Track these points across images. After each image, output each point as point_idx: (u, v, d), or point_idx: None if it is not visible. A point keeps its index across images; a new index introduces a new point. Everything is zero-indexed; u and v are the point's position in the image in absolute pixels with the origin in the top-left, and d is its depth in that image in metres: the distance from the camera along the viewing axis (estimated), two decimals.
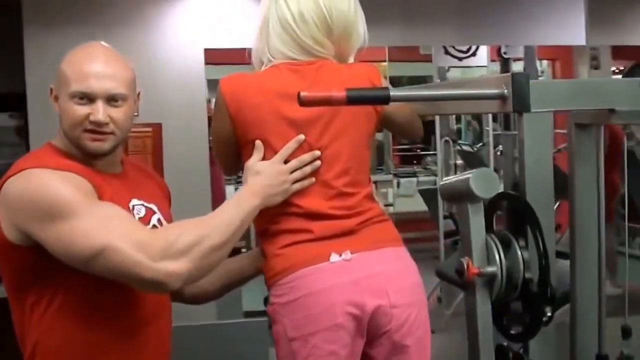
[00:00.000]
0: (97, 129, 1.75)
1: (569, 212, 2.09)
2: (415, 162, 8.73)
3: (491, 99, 1.56)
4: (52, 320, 1.75)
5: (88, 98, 1.74)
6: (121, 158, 1.91)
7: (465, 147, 7.84)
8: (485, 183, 1.81)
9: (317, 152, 1.85)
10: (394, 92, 1.52)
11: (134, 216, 1.81)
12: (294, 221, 1.86)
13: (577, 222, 2.07)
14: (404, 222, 5.05)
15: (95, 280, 1.70)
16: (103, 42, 1.86)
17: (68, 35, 3.85)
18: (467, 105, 1.81)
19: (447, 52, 5.69)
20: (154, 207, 1.91)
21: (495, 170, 6.37)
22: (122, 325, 1.80)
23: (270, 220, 1.88)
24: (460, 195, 1.84)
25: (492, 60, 5.72)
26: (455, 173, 7.61)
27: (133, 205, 1.85)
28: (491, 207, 1.95)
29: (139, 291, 1.80)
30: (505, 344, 1.95)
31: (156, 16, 4.06)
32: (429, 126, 6.37)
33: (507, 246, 1.84)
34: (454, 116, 8.18)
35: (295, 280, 1.81)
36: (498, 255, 1.82)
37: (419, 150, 8.68)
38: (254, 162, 1.85)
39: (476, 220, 1.84)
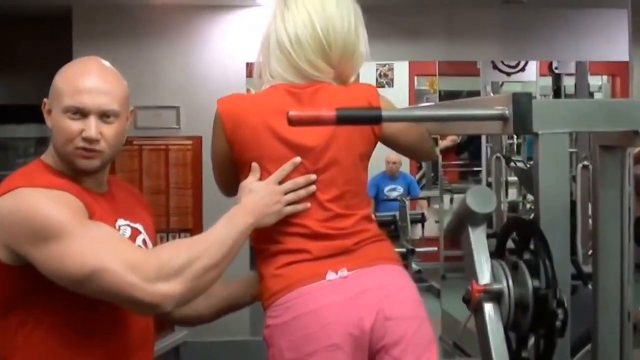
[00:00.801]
0: (88, 146, 1.72)
1: (592, 235, 1.99)
2: (468, 177, 8.62)
3: (491, 119, 1.49)
4: (37, 341, 1.73)
5: (81, 113, 1.72)
6: (107, 177, 1.89)
7: (519, 164, 7.70)
8: (482, 199, 1.73)
9: (313, 177, 1.82)
10: (385, 113, 1.45)
11: None
12: (291, 241, 1.82)
13: (600, 247, 1.95)
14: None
15: (83, 302, 1.68)
16: (99, 58, 1.84)
17: (115, 48, 3.93)
18: (469, 127, 1.74)
19: (495, 67, 5.60)
20: (140, 227, 1.89)
21: None
22: (108, 350, 1.78)
23: (267, 239, 1.85)
24: (460, 220, 1.77)
25: (542, 75, 5.61)
26: (507, 190, 7.48)
27: (119, 226, 1.82)
28: (503, 233, 1.87)
29: (126, 317, 1.78)
30: None
31: (199, 30, 4.11)
32: (477, 140, 6.28)
33: (515, 272, 1.76)
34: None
35: (292, 300, 1.77)
36: (505, 276, 1.74)
37: (472, 167, 8.56)
38: (248, 182, 1.82)
39: (477, 240, 1.75)
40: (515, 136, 8.34)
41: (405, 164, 8.94)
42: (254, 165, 1.83)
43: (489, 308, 1.73)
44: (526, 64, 5.63)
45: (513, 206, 7.55)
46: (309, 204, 1.82)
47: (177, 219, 3.99)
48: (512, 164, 8.46)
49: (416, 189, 8.70)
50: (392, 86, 8.47)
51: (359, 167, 1.88)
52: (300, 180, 1.81)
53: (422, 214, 8.24)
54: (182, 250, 1.67)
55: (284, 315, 1.77)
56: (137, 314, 1.80)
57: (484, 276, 1.74)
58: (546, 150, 1.74)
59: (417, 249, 6.49)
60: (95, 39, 3.93)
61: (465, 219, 1.78)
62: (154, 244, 1.94)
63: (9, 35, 4.19)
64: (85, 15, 4.04)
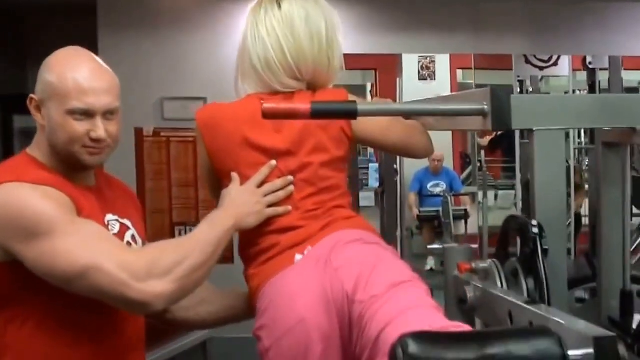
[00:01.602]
0: (96, 145, 1.75)
1: (597, 232, 1.99)
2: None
3: (470, 115, 1.47)
4: (26, 338, 1.73)
5: (87, 114, 1.73)
6: (95, 170, 1.89)
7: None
8: None
9: (290, 178, 1.85)
10: (361, 106, 1.44)
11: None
12: (268, 239, 1.85)
13: (603, 242, 1.97)
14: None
15: (73, 299, 1.68)
16: (85, 50, 1.83)
17: (141, 39, 3.96)
18: (451, 122, 1.72)
19: (528, 61, 5.51)
20: (128, 223, 1.90)
21: (579, 186, 6.13)
22: (98, 349, 1.79)
23: (248, 243, 1.88)
24: None
25: (575, 70, 5.51)
26: None
27: (108, 221, 1.83)
28: (504, 229, 1.84)
29: (116, 316, 1.79)
30: None
31: (225, 20, 4.10)
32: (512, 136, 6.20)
33: (514, 277, 1.73)
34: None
35: (266, 291, 1.77)
36: (500, 279, 1.71)
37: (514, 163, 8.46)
38: (229, 189, 1.86)
39: None
40: None
41: (448, 159, 8.87)
42: (234, 174, 1.86)
43: None
44: (559, 58, 5.53)
45: None
46: (290, 207, 1.85)
47: (207, 212, 3.92)
48: None
49: (459, 185, 8.60)
50: (434, 79, 8.38)
51: (335, 167, 1.89)
52: (278, 182, 1.85)
53: (465, 210, 8.15)
54: (170, 250, 1.69)
55: (261, 307, 1.77)
56: (128, 314, 1.81)
57: None
58: (542, 146, 1.71)
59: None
60: (120, 30, 3.95)
61: None
62: (143, 240, 1.96)
63: (33, 25, 4.24)
64: (110, 5, 4.05)
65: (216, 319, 2.09)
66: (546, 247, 1.66)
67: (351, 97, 1.89)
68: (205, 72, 3.92)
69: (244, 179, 1.86)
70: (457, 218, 7.99)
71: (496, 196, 8.24)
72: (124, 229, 1.87)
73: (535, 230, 1.70)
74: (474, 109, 1.46)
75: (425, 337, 1.01)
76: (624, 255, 1.96)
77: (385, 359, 1.49)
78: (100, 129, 1.73)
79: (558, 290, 1.64)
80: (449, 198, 7.94)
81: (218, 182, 1.93)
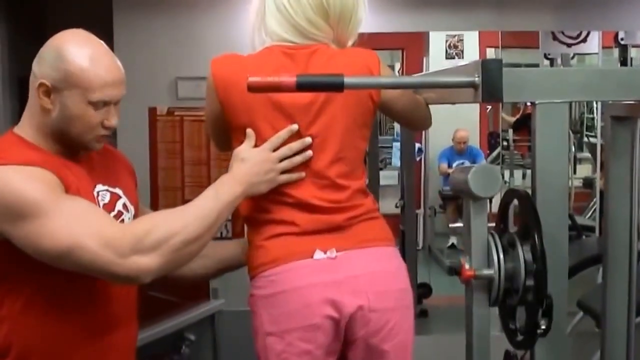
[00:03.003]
0: (106, 132, 1.80)
1: (604, 206, 1.97)
2: None
3: (462, 87, 1.44)
4: (22, 312, 1.75)
5: (104, 104, 1.77)
6: None
7: (592, 140, 7.47)
8: (485, 180, 1.66)
9: (308, 139, 1.77)
10: (348, 79, 1.41)
11: (98, 203, 1.80)
12: (281, 211, 1.80)
13: (611, 215, 1.94)
14: None
15: (65, 276, 1.71)
16: (92, 35, 1.83)
17: (155, 19, 3.95)
18: (444, 96, 1.69)
19: (555, 38, 5.39)
20: (119, 192, 1.90)
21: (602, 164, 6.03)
22: (90, 324, 1.81)
23: (257, 208, 1.83)
24: (462, 191, 1.72)
25: (605, 47, 5.39)
26: (575, 167, 7.27)
27: (98, 192, 1.84)
28: (504, 204, 1.81)
29: (108, 291, 1.82)
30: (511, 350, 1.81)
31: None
32: None
33: (512, 248, 1.70)
34: (576, 105, 7.81)
35: (277, 275, 1.75)
36: (497, 258, 1.68)
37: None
38: (242, 149, 1.80)
39: (477, 220, 1.70)
40: (586, 111, 8.11)
41: (475, 139, 8.80)
42: (249, 131, 1.79)
43: (477, 291, 1.69)
44: (588, 34, 5.41)
45: (588, 183, 7.33)
46: (303, 173, 1.79)
47: None
48: (585, 139, 8.24)
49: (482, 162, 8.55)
50: (462, 57, 8.31)
51: (356, 135, 1.83)
52: (296, 144, 1.78)
53: None
54: (161, 224, 1.68)
55: (268, 289, 1.76)
56: (120, 287, 1.84)
57: (477, 260, 1.70)
58: (544, 120, 1.68)
59: None
60: (135, 9, 3.92)
61: (466, 193, 1.72)
62: (135, 207, 1.97)
63: (46, 5, 4.26)
64: None
65: (211, 271, 2.13)
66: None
67: (383, 66, 1.87)
68: (219, 51, 3.86)
69: (259, 137, 1.79)
70: None
71: (524, 175, 8.17)
72: (114, 198, 1.88)
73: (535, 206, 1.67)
74: (464, 81, 1.43)
75: None
76: (631, 231, 1.92)
77: None
78: (114, 118, 1.79)
79: (557, 266, 1.61)
80: None
81: (228, 135, 1.87)
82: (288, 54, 1.81)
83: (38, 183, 1.67)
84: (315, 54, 1.81)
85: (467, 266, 1.68)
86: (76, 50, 1.76)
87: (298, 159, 1.78)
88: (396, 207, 3.96)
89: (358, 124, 1.82)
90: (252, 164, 1.77)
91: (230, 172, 1.79)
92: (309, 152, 1.78)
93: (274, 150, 1.78)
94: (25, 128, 1.81)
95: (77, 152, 1.82)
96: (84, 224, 1.65)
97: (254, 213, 1.84)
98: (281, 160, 1.78)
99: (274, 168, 1.77)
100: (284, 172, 1.79)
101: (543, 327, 1.60)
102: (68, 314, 1.78)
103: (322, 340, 1.74)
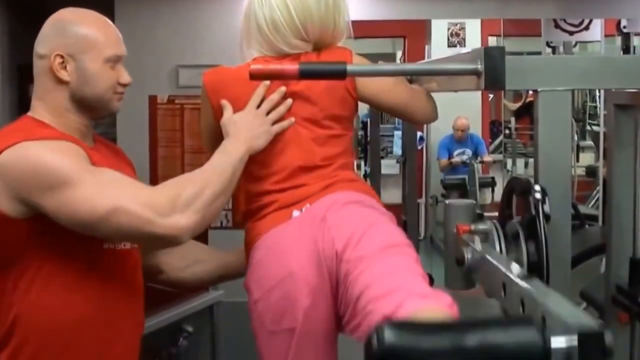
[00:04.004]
0: (123, 90, 1.87)
1: (607, 194, 1.96)
2: None
3: (464, 74, 1.43)
4: (36, 294, 1.76)
5: (116, 61, 1.83)
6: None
7: (595, 128, 7.46)
8: None
9: (283, 88, 1.86)
10: (350, 67, 1.40)
11: None
12: (267, 197, 1.85)
13: (614, 203, 1.93)
14: None
15: (84, 252, 1.76)
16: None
17: (156, 6, 3.94)
18: (446, 83, 1.67)
19: (557, 26, 5.36)
20: None
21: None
22: (100, 309, 1.82)
23: (248, 201, 1.89)
24: None
25: (608, 35, 5.36)
26: (578, 155, 7.26)
27: None
28: (507, 191, 1.80)
29: (119, 274, 1.86)
30: None
31: None
32: None
33: (514, 237, 1.68)
34: (578, 94, 7.80)
35: (259, 244, 1.79)
36: (498, 240, 1.67)
37: None
38: (228, 117, 1.86)
39: None
40: (589, 99, 8.09)
41: (477, 128, 8.79)
42: (224, 102, 1.87)
43: None
44: (590, 22, 5.38)
45: (591, 171, 7.33)
46: (293, 119, 1.86)
47: None
48: (588, 127, 8.22)
49: (483, 149, 8.57)
50: (464, 46, 8.31)
51: (340, 125, 1.90)
52: (274, 95, 1.86)
53: (492, 178, 8.11)
54: (188, 183, 1.74)
55: (253, 260, 1.79)
56: (130, 269, 1.89)
57: None
58: (547, 108, 1.66)
59: (485, 214, 6.33)
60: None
61: None
62: None
63: None
64: None
65: (211, 277, 2.18)
66: (549, 214, 1.61)
67: (356, 58, 1.91)
68: (220, 40, 3.88)
69: None
70: (483, 186, 7.96)
71: (526, 164, 8.18)
72: None
73: (538, 195, 1.65)
74: (467, 69, 1.42)
75: (401, 327, 0.98)
76: (635, 221, 1.91)
77: (364, 320, 1.55)
78: (126, 74, 1.86)
79: (560, 257, 1.58)
80: (475, 165, 7.90)
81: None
82: (272, 62, 1.87)
83: (68, 153, 1.71)
84: (296, 61, 1.84)
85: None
86: (78, 17, 1.84)
87: (282, 108, 1.86)
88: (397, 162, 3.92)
89: (339, 117, 1.89)
90: (245, 123, 1.84)
91: (228, 137, 1.84)
92: (290, 101, 1.86)
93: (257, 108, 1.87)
94: (39, 111, 1.84)
95: (86, 132, 1.87)
96: (120, 187, 1.69)
97: (247, 206, 1.90)
98: (268, 114, 1.86)
99: (264, 121, 1.84)
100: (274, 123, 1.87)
101: None
102: (84, 293, 1.80)
103: (307, 289, 1.70)
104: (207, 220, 1.74)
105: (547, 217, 1.61)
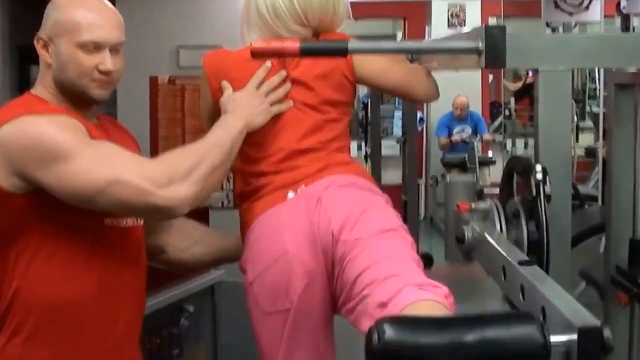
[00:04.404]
0: (104, 78, 1.80)
1: (607, 174, 1.98)
2: None
3: (465, 52, 1.43)
4: (36, 270, 1.77)
5: (96, 48, 1.78)
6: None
7: (594, 109, 7.45)
8: None
9: (283, 73, 1.86)
10: (352, 45, 1.40)
11: None
12: (262, 179, 1.86)
13: (614, 183, 1.94)
14: None
15: (85, 228, 1.77)
16: None
17: None
18: (447, 62, 1.67)
19: (557, 6, 5.31)
20: None
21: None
22: (101, 287, 1.82)
23: (244, 183, 1.90)
24: None
25: (608, 16, 5.32)
26: (577, 136, 7.26)
27: None
28: (508, 172, 1.80)
29: (120, 244, 1.85)
30: None
31: None
32: None
33: (515, 216, 1.69)
34: (578, 75, 7.79)
35: (254, 226, 1.80)
36: (499, 219, 1.67)
37: None
38: (228, 95, 1.87)
39: None
40: (588, 81, 8.08)
41: (477, 108, 8.78)
42: (224, 83, 1.88)
43: None
44: (590, 2, 5.34)
45: (591, 152, 7.33)
46: (291, 102, 1.87)
47: None
48: (588, 108, 8.22)
49: (483, 127, 8.58)
50: (464, 26, 8.30)
51: (337, 110, 1.90)
52: (275, 78, 1.87)
53: (492, 158, 8.12)
54: (187, 155, 1.74)
55: (249, 241, 1.80)
56: (133, 246, 1.89)
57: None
58: (547, 87, 1.67)
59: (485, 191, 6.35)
60: None
61: None
62: None
63: None
64: None
65: (211, 259, 2.19)
66: (549, 194, 1.62)
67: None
68: (220, 21, 3.88)
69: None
70: (483, 164, 7.96)
71: (526, 144, 8.19)
72: None
73: (539, 175, 1.66)
74: (468, 47, 1.42)
75: (401, 323, 0.99)
76: (635, 199, 1.92)
77: (359, 304, 1.57)
78: (109, 61, 1.79)
79: (560, 236, 1.59)
80: (475, 144, 7.90)
81: None
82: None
83: (67, 127, 1.71)
84: None
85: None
86: (69, 1, 1.82)
87: (281, 91, 1.87)
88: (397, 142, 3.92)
89: (336, 102, 1.90)
90: (244, 100, 1.85)
91: (227, 113, 1.85)
92: (289, 85, 1.87)
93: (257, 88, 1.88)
94: (39, 89, 1.85)
95: (83, 106, 1.84)
96: (118, 160, 1.70)
97: (243, 188, 1.90)
98: (267, 95, 1.87)
99: (263, 100, 1.86)
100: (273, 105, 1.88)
101: None
102: (84, 268, 1.80)
103: (302, 271, 1.71)
104: (206, 191, 1.75)
105: (548, 198, 1.62)
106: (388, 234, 1.67)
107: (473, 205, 1.70)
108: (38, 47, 1.82)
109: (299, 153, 1.85)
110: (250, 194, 1.86)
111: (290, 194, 1.79)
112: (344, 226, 1.68)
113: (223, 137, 1.79)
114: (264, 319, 1.76)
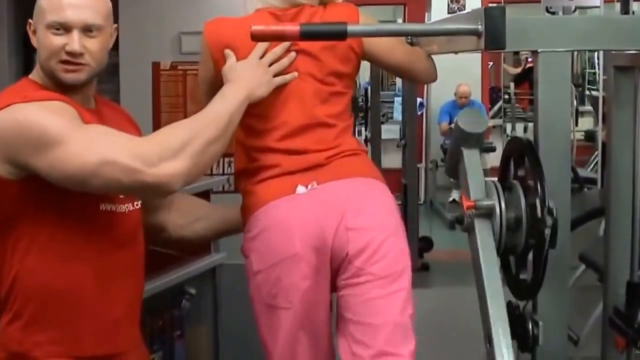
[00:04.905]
0: (72, 59, 1.77)
1: (607, 157, 1.98)
2: None
3: (464, 34, 1.44)
4: (34, 256, 1.78)
5: (64, 28, 1.76)
6: (94, 95, 1.92)
7: (594, 93, 7.46)
8: (473, 120, 1.74)
9: (287, 43, 1.83)
10: (351, 27, 1.41)
11: None
12: (268, 158, 1.85)
13: (613, 165, 1.95)
14: None
15: (80, 214, 1.77)
16: None
17: None
18: (446, 44, 1.69)
19: None
20: None
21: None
22: (98, 270, 1.83)
23: (249, 159, 1.89)
24: (456, 144, 1.74)
25: (607, 1, 5.34)
26: (577, 119, 7.27)
27: None
28: (507, 152, 1.82)
29: (116, 229, 1.86)
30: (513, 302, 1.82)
31: None
32: None
33: (510, 191, 1.71)
34: (577, 59, 7.79)
35: (261, 214, 1.80)
36: (497, 194, 1.69)
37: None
38: (231, 64, 1.85)
39: (471, 161, 1.74)
40: (587, 65, 8.08)
41: (477, 93, 8.80)
42: (227, 51, 1.85)
43: (480, 225, 1.69)
44: None
45: (590, 136, 7.35)
46: (296, 73, 1.85)
47: None
48: (587, 92, 8.24)
49: (483, 115, 8.60)
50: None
51: (342, 82, 1.90)
52: (278, 49, 1.84)
53: (491, 144, 8.13)
54: (180, 129, 1.72)
55: (254, 229, 1.81)
56: (129, 234, 1.89)
57: (476, 193, 1.71)
58: (546, 70, 1.68)
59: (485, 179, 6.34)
60: None
61: (459, 142, 1.75)
62: None
63: None
64: None
65: (212, 233, 2.20)
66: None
67: (362, 16, 1.90)
68: (223, 6, 3.87)
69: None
70: (483, 150, 7.95)
71: (525, 128, 8.22)
72: None
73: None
74: (468, 29, 1.43)
75: None
76: (634, 183, 1.92)
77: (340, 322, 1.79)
78: (75, 42, 1.75)
79: (560, 218, 1.57)
80: None
81: None
82: (275, 14, 1.87)
83: (58, 113, 1.70)
84: (300, 14, 1.86)
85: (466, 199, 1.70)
86: None
87: (285, 61, 1.85)
88: (397, 146, 3.97)
89: (342, 74, 1.89)
90: (246, 70, 1.82)
91: (228, 83, 1.83)
92: (293, 54, 1.85)
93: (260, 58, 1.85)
94: (35, 74, 1.85)
95: (74, 93, 1.83)
96: (108, 141, 1.69)
97: (246, 164, 1.89)
98: (270, 65, 1.85)
99: (267, 71, 1.83)
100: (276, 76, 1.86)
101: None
102: (82, 255, 1.81)
103: (306, 271, 1.75)
104: (201, 166, 1.74)
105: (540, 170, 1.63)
106: (394, 284, 1.77)
107: (477, 203, 1.71)
108: (30, 33, 1.83)
109: (305, 129, 1.84)
110: (255, 172, 1.85)
111: (300, 188, 1.79)
112: (361, 252, 1.75)
113: (221, 110, 1.76)
114: (265, 309, 1.80)
